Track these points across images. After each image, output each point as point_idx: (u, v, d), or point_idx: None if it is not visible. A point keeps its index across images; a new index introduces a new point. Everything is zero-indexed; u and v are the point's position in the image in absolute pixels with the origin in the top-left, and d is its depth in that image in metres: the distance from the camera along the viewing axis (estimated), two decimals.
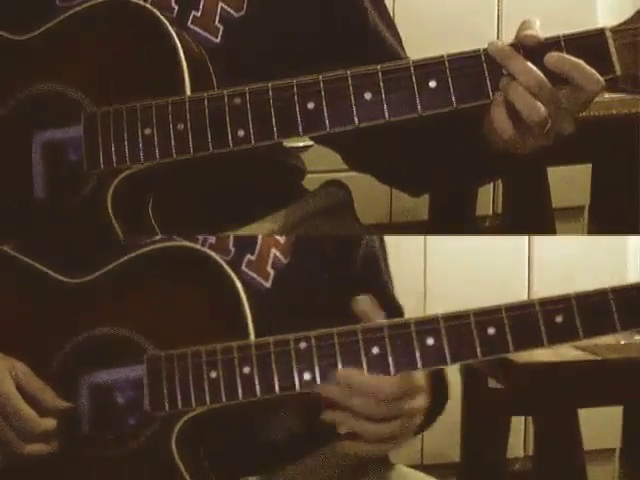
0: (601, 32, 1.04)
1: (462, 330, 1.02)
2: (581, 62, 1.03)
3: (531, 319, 1.02)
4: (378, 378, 1.02)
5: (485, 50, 1.05)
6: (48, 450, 1.07)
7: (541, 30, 1.05)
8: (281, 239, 1.18)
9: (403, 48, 1.30)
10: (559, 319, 1.02)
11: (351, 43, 1.24)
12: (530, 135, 1.06)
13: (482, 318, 1.03)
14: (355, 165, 1.35)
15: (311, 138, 1.23)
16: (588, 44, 1.04)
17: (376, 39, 1.26)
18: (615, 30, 1.04)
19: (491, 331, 1.02)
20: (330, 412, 1.03)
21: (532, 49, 1.04)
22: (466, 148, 1.17)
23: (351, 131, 1.07)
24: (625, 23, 1.04)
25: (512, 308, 1.03)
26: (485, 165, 1.20)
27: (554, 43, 1.04)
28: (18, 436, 1.06)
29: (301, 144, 1.40)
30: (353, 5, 1.26)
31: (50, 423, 1.07)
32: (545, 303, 1.02)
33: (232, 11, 1.20)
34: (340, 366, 1.03)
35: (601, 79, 1.03)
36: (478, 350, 1.02)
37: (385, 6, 1.31)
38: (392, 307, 1.21)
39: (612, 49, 1.03)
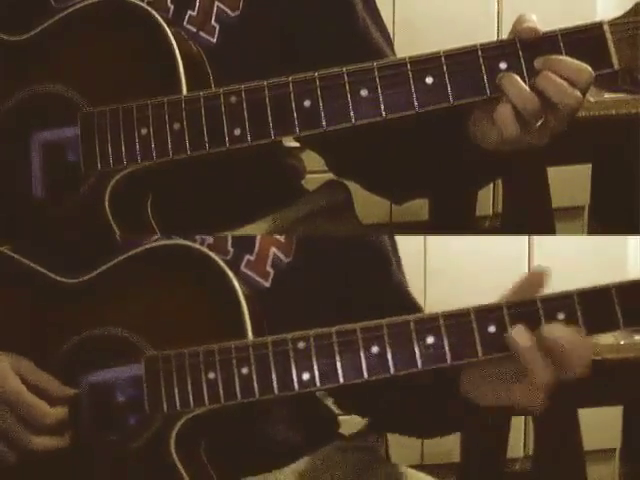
0: (599, 26, 1.04)
1: (463, 328, 1.02)
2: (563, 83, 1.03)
3: (533, 316, 1.01)
4: None
5: (482, 45, 1.05)
6: (58, 443, 1.07)
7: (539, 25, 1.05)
8: (282, 238, 1.17)
9: (394, 51, 1.29)
10: (561, 316, 1.01)
11: (339, 45, 1.23)
12: (525, 131, 1.06)
13: (483, 315, 1.02)
14: (337, 170, 1.34)
15: (296, 140, 1.23)
16: (586, 38, 1.04)
17: (364, 41, 1.25)
18: (613, 23, 1.03)
19: (492, 329, 1.01)
20: None
21: (530, 43, 1.04)
22: (452, 152, 1.16)
23: (334, 135, 1.07)
24: (624, 16, 1.04)
25: (513, 305, 1.02)
26: (472, 168, 1.20)
27: (552, 38, 1.04)
28: (28, 430, 1.06)
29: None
30: (343, 6, 1.25)
31: (61, 411, 1.07)
32: (547, 300, 1.02)
33: (228, 10, 1.20)
34: (339, 366, 1.03)
35: (577, 94, 1.03)
36: (479, 349, 1.01)
37: (377, 9, 1.30)
38: (410, 306, 1.21)
39: (610, 43, 1.03)
